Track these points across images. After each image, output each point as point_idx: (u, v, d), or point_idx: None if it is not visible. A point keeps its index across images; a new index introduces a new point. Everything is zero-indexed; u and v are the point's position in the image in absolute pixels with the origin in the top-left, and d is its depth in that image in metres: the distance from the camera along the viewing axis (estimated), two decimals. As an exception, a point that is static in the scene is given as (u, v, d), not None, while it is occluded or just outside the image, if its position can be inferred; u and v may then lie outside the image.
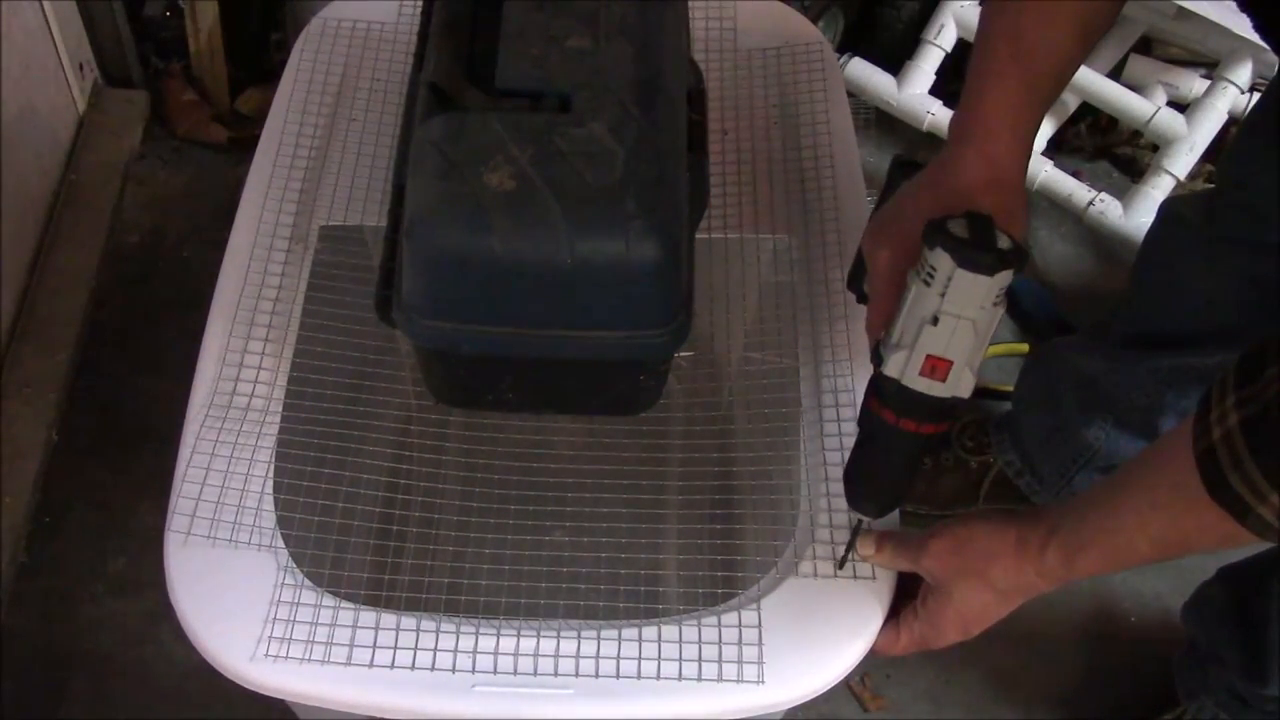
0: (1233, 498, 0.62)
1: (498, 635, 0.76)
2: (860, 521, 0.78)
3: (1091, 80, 1.61)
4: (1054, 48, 0.77)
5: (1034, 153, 1.59)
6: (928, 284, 0.67)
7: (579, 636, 0.76)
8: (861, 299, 0.80)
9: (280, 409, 0.86)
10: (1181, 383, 1.15)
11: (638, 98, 0.74)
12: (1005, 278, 0.67)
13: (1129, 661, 1.33)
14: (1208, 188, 1.24)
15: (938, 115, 1.61)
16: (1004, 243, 0.67)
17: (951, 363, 0.68)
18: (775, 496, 0.85)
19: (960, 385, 0.69)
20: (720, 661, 0.75)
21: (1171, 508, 0.67)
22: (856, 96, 1.65)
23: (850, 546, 0.78)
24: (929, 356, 0.68)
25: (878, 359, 0.71)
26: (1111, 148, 1.77)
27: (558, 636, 0.76)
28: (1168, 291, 1.16)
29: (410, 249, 0.72)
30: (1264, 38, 0.89)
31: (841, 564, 0.79)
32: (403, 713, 0.75)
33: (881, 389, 0.71)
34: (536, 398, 0.83)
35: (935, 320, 0.67)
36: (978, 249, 0.66)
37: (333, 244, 0.95)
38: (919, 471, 0.75)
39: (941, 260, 0.66)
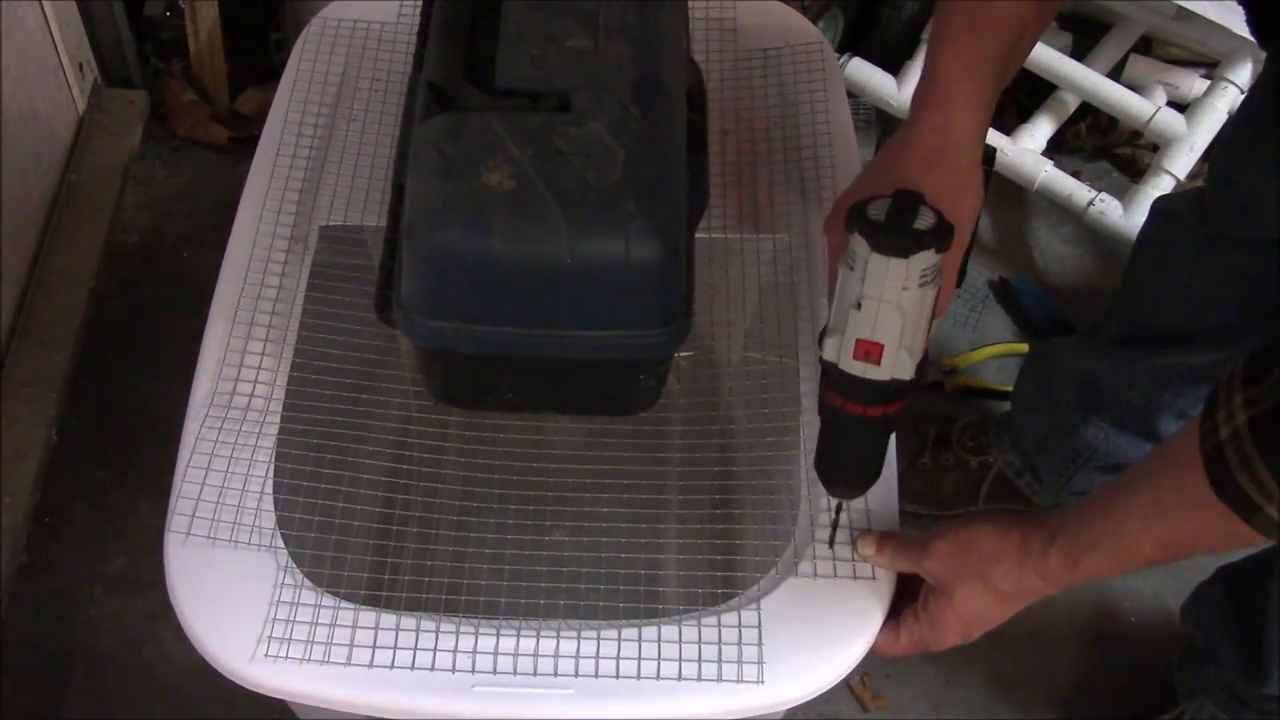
0: (1240, 497, 0.62)
1: (497, 635, 0.76)
2: (839, 504, 0.78)
3: (1091, 80, 1.61)
4: (1009, 16, 0.77)
5: (1035, 151, 1.60)
6: (851, 268, 0.67)
7: (579, 636, 0.76)
8: None
9: (280, 409, 0.86)
10: (1177, 381, 1.15)
11: (637, 97, 0.74)
12: (924, 259, 0.65)
13: (1129, 661, 1.33)
14: (1199, 185, 1.24)
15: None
16: (925, 222, 0.66)
17: (882, 346, 0.68)
18: (775, 496, 0.85)
19: (898, 368, 0.69)
20: (720, 661, 0.75)
21: (1177, 509, 0.67)
22: (856, 96, 1.65)
23: (834, 525, 0.79)
24: (859, 341, 0.68)
25: (820, 344, 0.71)
26: (1111, 148, 1.77)
27: (557, 636, 0.76)
28: (1161, 290, 1.16)
29: (410, 249, 0.72)
30: (1253, 31, 0.89)
31: (831, 542, 0.79)
32: (402, 713, 0.75)
33: (825, 372, 0.71)
34: (536, 398, 0.83)
35: (859, 305, 0.67)
36: (889, 232, 0.65)
37: (333, 244, 0.95)
38: (884, 454, 0.76)
39: (859, 244, 0.66)
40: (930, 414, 1.41)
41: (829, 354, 0.70)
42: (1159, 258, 1.17)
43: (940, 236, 0.66)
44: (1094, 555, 0.71)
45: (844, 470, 0.76)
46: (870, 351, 0.68)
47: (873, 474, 0.77)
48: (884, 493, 0.81)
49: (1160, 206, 1.19)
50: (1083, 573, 0.72)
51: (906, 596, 0.79)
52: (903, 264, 0.65)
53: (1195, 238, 1.09)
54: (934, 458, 1.38)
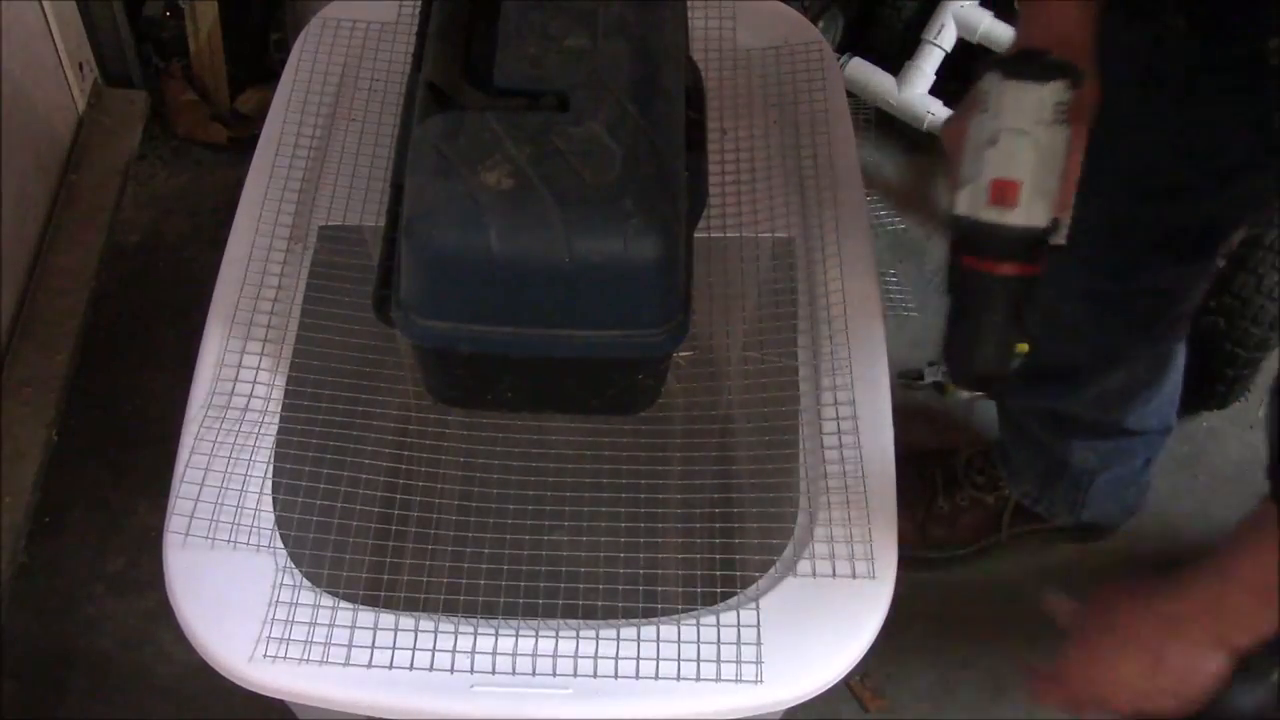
0: None
1: (496, 635, 0.76)
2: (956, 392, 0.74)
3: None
4: None
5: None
6: (985, 109, 0.66)
7: (578, 636, 0.76)
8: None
9: (279, 409, 0.86)
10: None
11: (636, 97, 0.74)
12: (1058, 90, 0.65)
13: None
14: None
15: (937, 115, 1.61)
16: (1055, 60, 0.65)
17: (1019, 183, 0.66)
18: (775, 496, 0.85)
19: (1034, 212, 0.66)
20: (719, 661, 0.75)
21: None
22: (856, 96, 1.64)
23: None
24: (994, 181, 0.66)
25: (953, 201, 0.69)
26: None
27: (557, 636, 0.76)
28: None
29: (408, 248, 0.72)
30: None
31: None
32: (402, 713, 0.75)
33: (958, 233, 0.69)
34: (535, 397, 0.83)
35: (995, 140, 0.66)
36: (1024, 60, 0.65)
37: (332, 244, 0.95)
38: (1016, 333, 0.70)
39: (992, 81, 0.66)
40: (932, 454, 1.39)
41: (963, 206, 0.68)
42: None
43: (1071, 69, 0.65)
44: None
45: (977, 350, 0.71)
46: (1006, 192, 0.66)
47: (1004, 359, 0.70)
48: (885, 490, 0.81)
49: None
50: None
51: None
52: (1038, 91, 0.65)
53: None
54: (949, 500, 1.36)
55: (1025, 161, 0.66)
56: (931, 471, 1.37)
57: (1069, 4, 0.74)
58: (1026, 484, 1.31)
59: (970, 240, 0.68)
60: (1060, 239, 0.69)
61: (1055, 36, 0.72)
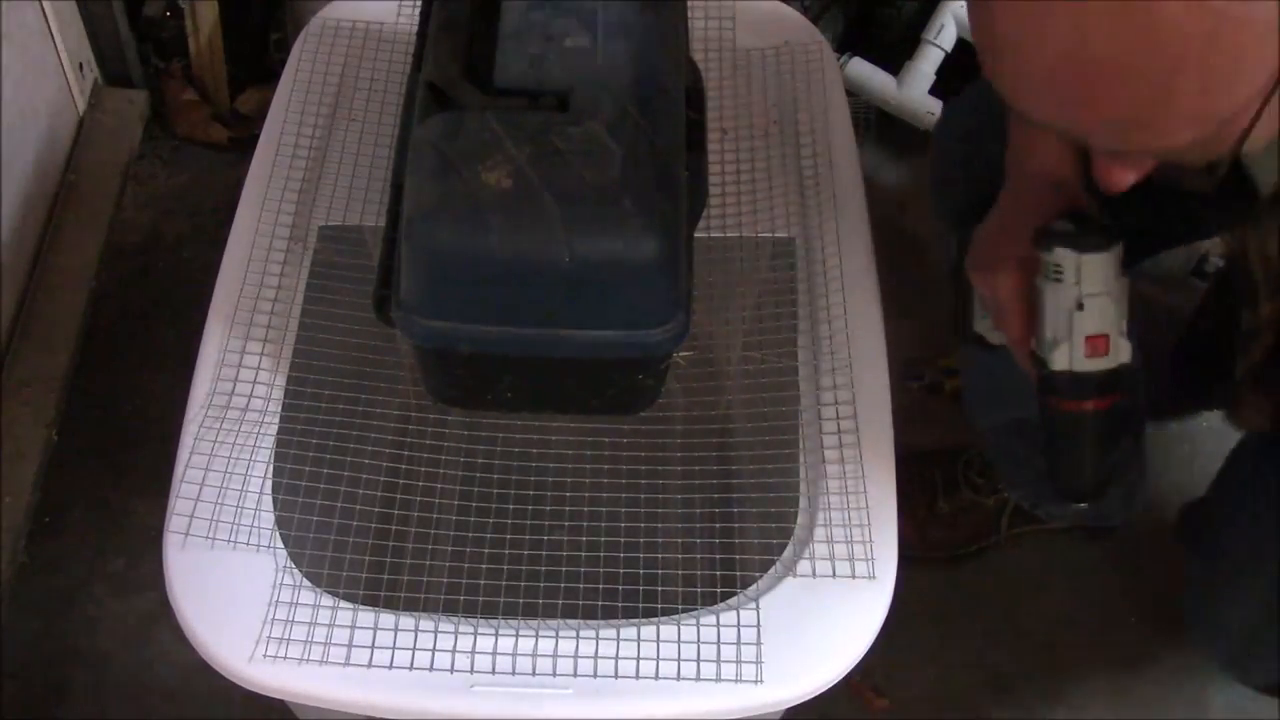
0: None
1: (496, 635, 0.76)
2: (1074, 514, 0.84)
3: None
4: None
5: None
6: (1059, 280, 0.76)
7: (578, 636, 0.76)
8: (977, 340, 0.89)
9: (279, 409, 0.86)
10: None
11: (636, 97, 0.74)
12: (1119, 249, 0.76)
13: (1130, 660, 1.33)
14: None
15: (937, 115, 1.61)
16: (1111, 225, 0.76)
17: (1107, 336, 0.76)
18: (775, 496, 0.85)
19: (1121, 353, 0.77)
20: (719, 661, 0.75)
21: None
22: (856, 96, 1.64)
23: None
24: (1088, 338, 0.76)
25: (1040, 365, 0.78)
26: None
27: (556, 636, 0.76)
28: None
29: (408, 248, 0.72)
30: None
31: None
32: (402, 713, 0.75)
33: (1057, 386, 0.77)
34: (535, 397, 0.83)
35: (1080, 306, 0.76)
36: (1092, 233, 0.76)
37: (332, 244, 0.95)
38: (1112, 452, 0.81)
39: (1064, 257, 0.75)
40: (932, 454, 1.39)
41: (1060, 363, 0.77)
42: None
43: (1119, 231, 0.76)
44: None
45: (1078, 479, 0.80)
46: (1097, 345, 0.76)
47: (1105, 480, 0.80)
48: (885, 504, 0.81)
49: None
50: None
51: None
52: (1107, 257, 0.75)
53: None
54: (949, 500, 1.36)
55: (1109, 317, 0.76)
56: (931, 472, 1.37)
57: (1057, 147, 0.82)
58: (1022, 489, 1.31)
59: (1071, 389, 0.78)
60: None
61: (1050, 179, 0.82)
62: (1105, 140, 0.62)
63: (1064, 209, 0.79)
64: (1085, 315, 0.76)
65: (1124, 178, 0.70)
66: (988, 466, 1.34)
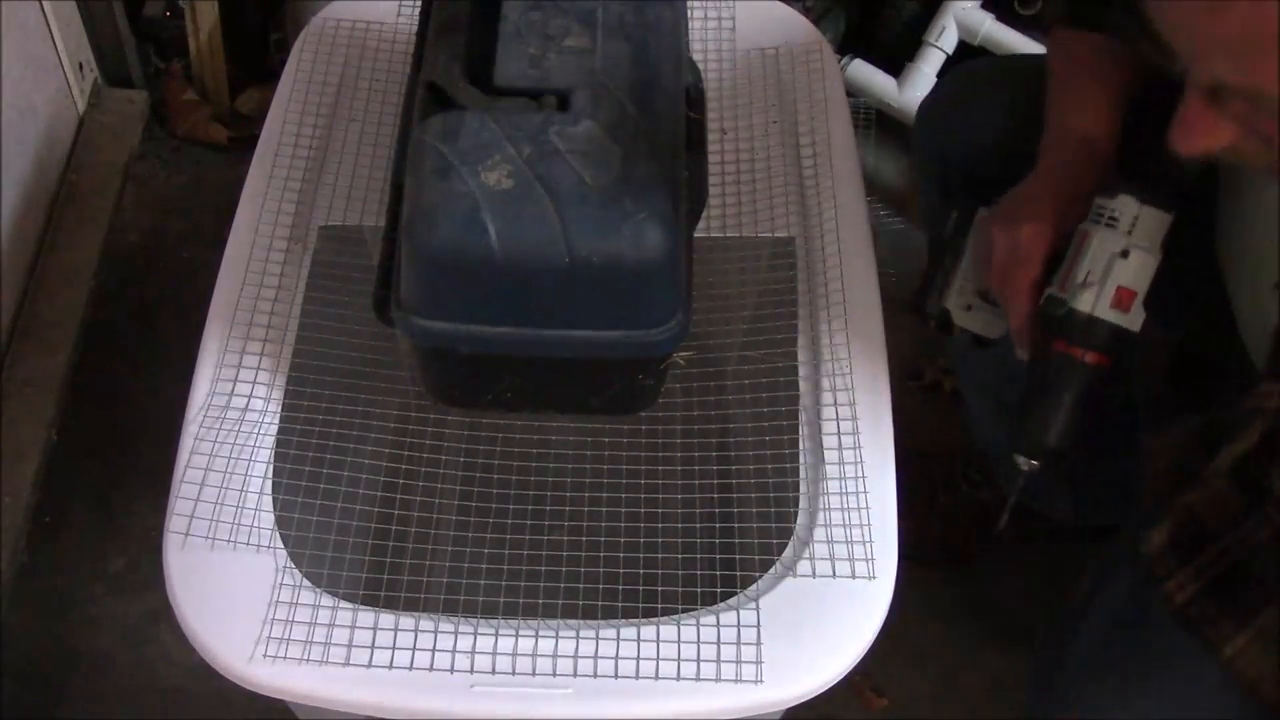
0: None
1: (496, 635, 0.76)
2: (1022, 476, 0.83)
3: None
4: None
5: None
6: (1112, 226, 0.78)
7: (578, 636, 0.76)
8: (937, 321, 0.92)
9: (279, 409, 0.86)
10: None
11: (636, 97, 0.74)
12: (1173, 219, 0.78)
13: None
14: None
15: (938, 116, 1.61)
16: (1175, 192, 0.78)
17: (1135, 294, 0.78)
18: (775, 496, 0.85)
19: (1137, 319, 0.79)
20: (719, 661, 0.75)
21: None
22: (857, 98, 1.64)
23: (1008, 507, 0.87)
24: (1120, 288, 0.78)
25: (1056, 306, 0.79)
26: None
27: (556, 636, 0.76)
28: None
29: (408, 248, 0.72)
30: None
31: (1000, 526, 0.87)
32: (401, 713, 0.75)
33: (1070, 328, 0.79)
34: (535, 397, 0.83)
35: (1125, 254, 0.77)
36: (1159, 189, 0.77)
37: (332, 244, 0.95)
38: (1088, 413, 0.82)
39: (1126, 203, 0.78)
40: (932, 454, 1.39)
41: (1085, 305, 0.78)
42: None
43: (1181, 201, 0.78)
44: None
45: (1052, 425, 0.81)
46: (1124, 298, 0.78)
47: (1072, 436, 0.81)
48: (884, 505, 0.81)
49: None
50: None
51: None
52: (1164, 218, 0.78)
53: None
54: (949, 499, 1.36)
55: (1146, 276, 0.78)
56: (931, 471, 1.37)
57: (1099, 112, 0.86)
58: (1005, 473, 1.31)
59: (1074, 330, 0.79)
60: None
61: (1089, 141, 0.85)
62: (1217, 62, 0.60)
63: (1100, 171, 0.81)
64: (1126, 265, 0.77)
65: (1207, 132, 0.68)
66: (987, 464, 1.34)
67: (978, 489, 1.34)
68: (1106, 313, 0.78)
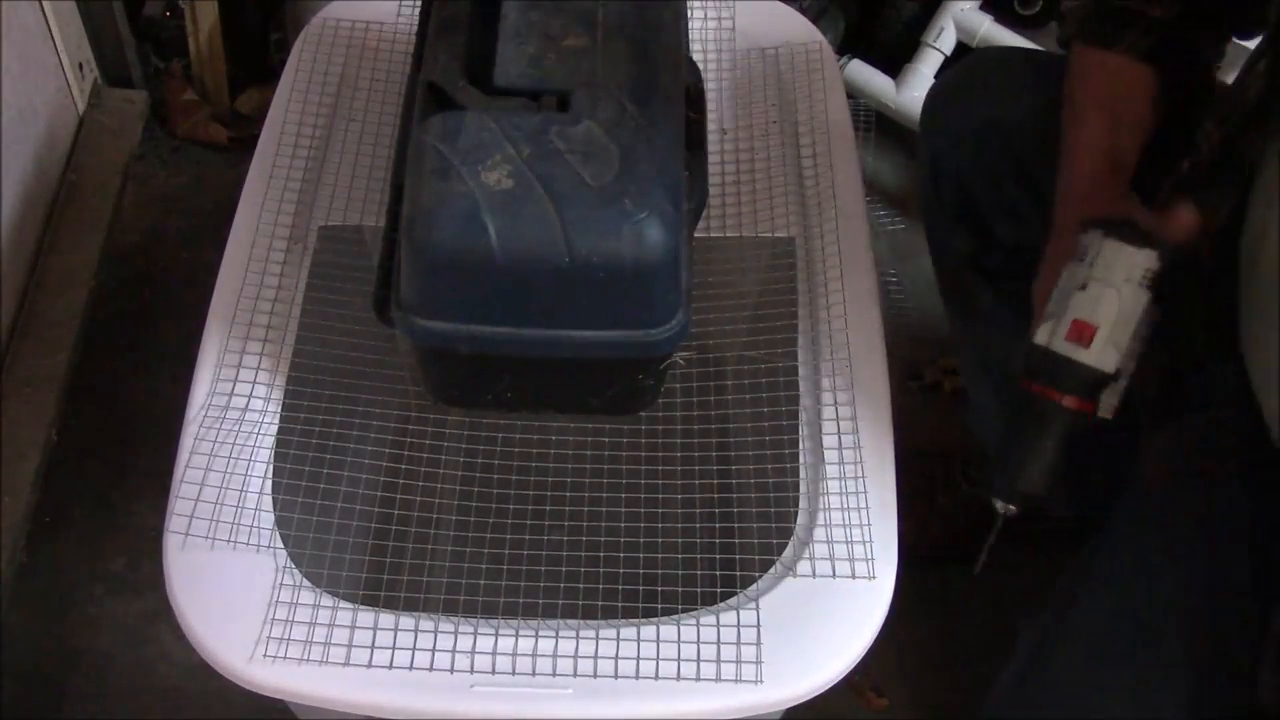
0: None
1: (496, 635, 0.76)
2: (1000, 518, 0.79)
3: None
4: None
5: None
6: (1079, 261, 0.76)
7: (578, 636, 0.76)
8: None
9: (279, 409, 0.86)
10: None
11: (635, 96, 0.74)
12: (1150, 257, 0.74)
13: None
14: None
15: (937, 117, 1.61)
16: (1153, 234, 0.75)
17: (1096, 328, 0.74)
18: (775, 496, 0.85)
19: (1104, 358, 0.74)
20: (719, 661, 0.75)
21: None
22: (856, 98, 1.64)
23: (988, 546, 0.81)
24: (1075, 321, 0.74)
25: (1031, 333, 0.77)
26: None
27: (556, 636, 0.76)
28: None
29: (408, 248, 0.72)
30: None
31: (977, 567, 0.82)
32: (401, 713, 0.75)
33: (1029, 361, 0.77)
34: (535, 397, 0.83)
35: (1084, 286, 0.75)
36: (1123, 226, 0.75)
37: (332, 244, 0.95)
38: (1063, 464, 0.79)
39: (1093, 238, 0.75)
40: (932, 453, 1.39)
41: (1041, 337, 0.76)
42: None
43: (1165, 245, 0.74)
44: None
45: (1024, 470, 0.77)
46: (1084, 333, 0.74)
47: (1047, 483, 0.77)
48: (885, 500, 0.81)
49: None
50: None
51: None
52: (1132, 254, 0.74)
53: None
54: (950, 498, 1.36)
55: (1107, 311, 0.74)
56: (931, 470, 1.37)
57: (1114, 193, 0.84)
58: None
59: (1039, 369, 0.76)
60: (1115, 397, 0.77)
61: (1093, 183, 0.84)
62: None
63: (1107, 207, 0.80)
64: (1083, 298, 0.74)
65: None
66: (987, 463, 1.34)
67: (978, 488, 1.34)
68: (1061, 345, 0.75)
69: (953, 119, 1.08)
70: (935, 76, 1.63)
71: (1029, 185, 1.01)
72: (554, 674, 0.75)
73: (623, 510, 0.87)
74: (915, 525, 1.34)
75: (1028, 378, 0.77)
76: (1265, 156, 0.77)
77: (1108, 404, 0.77)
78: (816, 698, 0.76)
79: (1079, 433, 0.77)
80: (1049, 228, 0.89)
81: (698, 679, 0.74)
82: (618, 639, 0.76)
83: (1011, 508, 0.78)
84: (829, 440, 0.84)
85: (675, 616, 0.77)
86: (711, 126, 0.97)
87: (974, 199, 1.07)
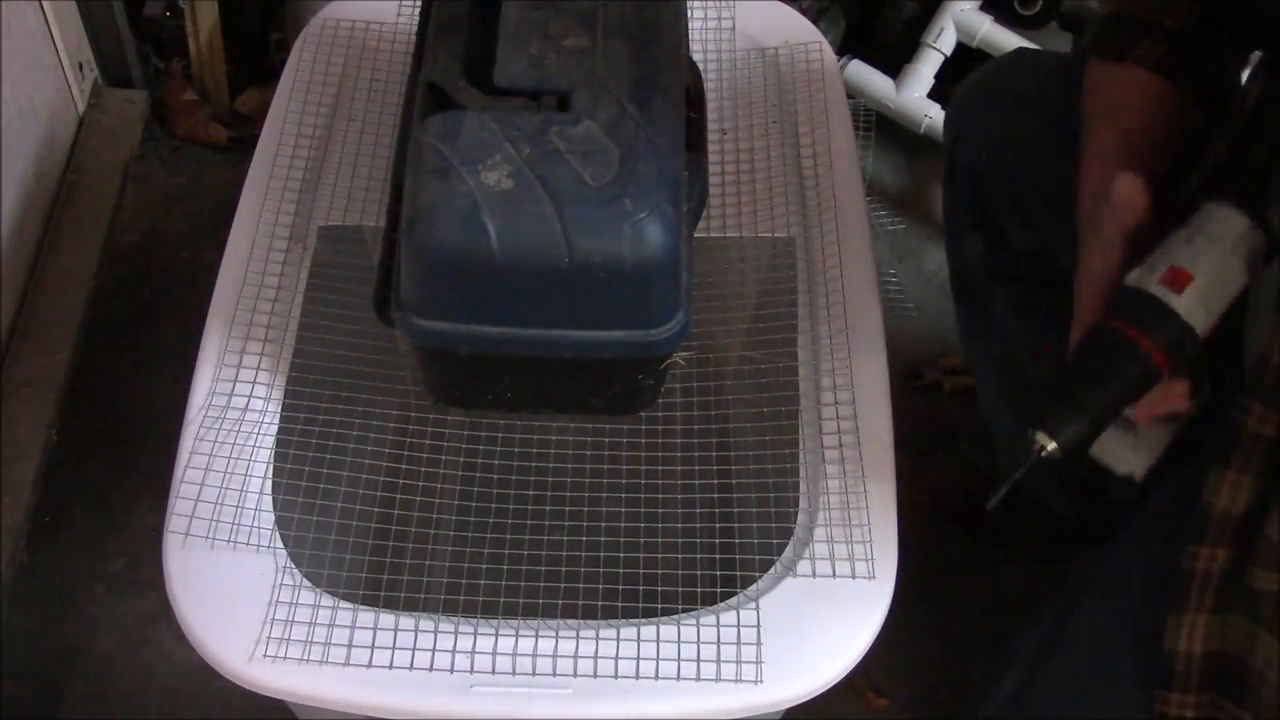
0: None
1: (496, 635, 0.76)
2: (1032, 458, 0.73)
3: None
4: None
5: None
6: (1185, 224, 0.73)
7: (578, 636, 0.76)
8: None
9: (279, 409, 0.86)
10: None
11: (635, 96, 0.74)
12: (1256, 238, 0.72)
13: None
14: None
15: (935, 119, 1.61)
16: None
17: (1192, 278, 0.72)
18: (775, 496, 0.85)
19: (1194, 314, 0.72)
20: (719, 661, 0.75)
21: None
22: (855, 99, 1.64)
23: (1007, 484, 0.74)
24: (1172, 266, 0.72)
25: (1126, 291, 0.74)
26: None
27: (556, 636, 0.76)
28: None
29: (408, 248, 0.72)
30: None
31: (992, 504, 0.74)
32: (401, 713, 0.75)
33: (1118, 300, 0.74)
34: (535, 397, 0.83)
35: (1189, 240, 0.73)
36: (1236, 191, 0.74)
37: (332, 244, 0.95)
38: (1119, 410, 0.75)
39: (1206, 206, 0.74)
40: (930, 420, 1.40)
41: (1133, 278, 0.73)
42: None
43: (1272, 231, 0.73)
44: None
45: (1081, 412, 0.72)
46: (1178, 278, 0.72)
47: (1094, 435, 0.74)
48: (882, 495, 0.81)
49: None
50: None
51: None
52: (1239, 219, 0.72)
53: None
54: (950, 459, 1.37)
55: (1206, 264, 0.72)
56: (930, 448, 1.39)
57: (1136, 169, 0.80)
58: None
59: (1124, 307, 0.74)
60: (1189, 414, 0.76)
61: (1114, 221, 0.79)
62: None
63: (1138, 237, 0.77)
64: (1185, 247, 0.73)
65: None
66: (986, 438, 1.35)
67: (980, 455, 1.34)
68: (1153, 286, 0.72)
69: (976, 119, 1.08)
70: (935, 77, 1.64)
71: (1045, 192, 1.01)
72: (554, 674, 0.75)
73: (623, 510, 0.87)
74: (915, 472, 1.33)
75: (1111, 316, 0.74)
76: None
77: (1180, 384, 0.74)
78: (816, 698, 0.76)
79: (1142, 389, 0.73)
80: (1063, 237, 0.87)
81: (698, 679, 0.74)
82: (618, 639, 0.76)
83: (1053, 445, 0.72)
84: (829, 440, 0.84)
85: (675, 616, 0.77)
86: (711, 126, 0.97)
87: (989, 199, 1.07)
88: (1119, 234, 0.77)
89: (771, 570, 0.80)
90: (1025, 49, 1.30)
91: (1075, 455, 0.73)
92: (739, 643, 0.75)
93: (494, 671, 0.75)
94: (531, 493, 0.90)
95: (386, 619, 0.76)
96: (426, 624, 0.76)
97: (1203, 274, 0.72)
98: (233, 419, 0.84)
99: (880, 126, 1.67)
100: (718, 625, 0.76)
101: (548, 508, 0.89)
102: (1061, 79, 1.02)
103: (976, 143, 1.07)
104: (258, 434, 0.84)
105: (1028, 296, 1.07)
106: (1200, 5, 0.87)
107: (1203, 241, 0.73)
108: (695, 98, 0.85)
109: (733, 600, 0.78)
